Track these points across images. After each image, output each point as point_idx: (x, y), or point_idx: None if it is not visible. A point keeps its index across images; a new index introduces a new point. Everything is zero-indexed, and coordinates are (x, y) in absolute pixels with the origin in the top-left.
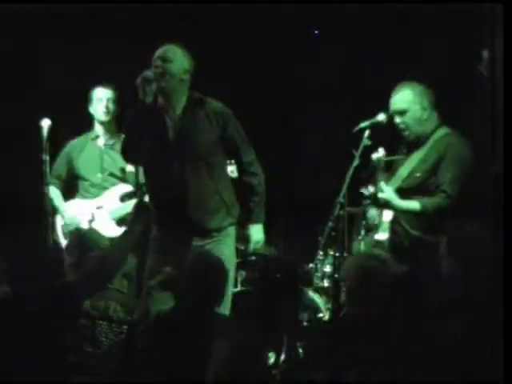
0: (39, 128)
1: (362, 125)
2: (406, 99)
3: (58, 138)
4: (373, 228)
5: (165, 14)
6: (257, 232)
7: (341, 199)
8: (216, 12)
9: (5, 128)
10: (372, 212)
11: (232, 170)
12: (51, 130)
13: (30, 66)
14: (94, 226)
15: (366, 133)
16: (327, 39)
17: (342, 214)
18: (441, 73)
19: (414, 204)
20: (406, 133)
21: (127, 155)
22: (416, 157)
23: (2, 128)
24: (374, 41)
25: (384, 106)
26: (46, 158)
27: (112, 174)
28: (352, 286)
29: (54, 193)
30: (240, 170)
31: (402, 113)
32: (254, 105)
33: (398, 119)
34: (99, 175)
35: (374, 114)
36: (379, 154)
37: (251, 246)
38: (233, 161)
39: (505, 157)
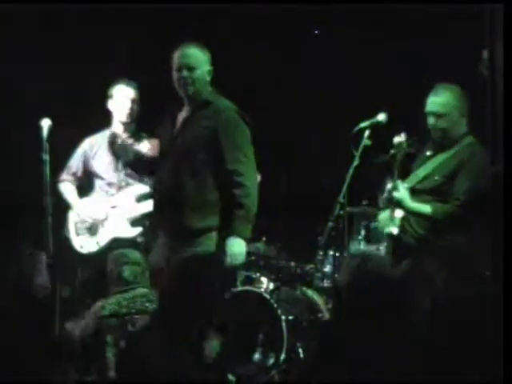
0: (39, 128)
1: (362, 125)
2: (447, 103)
3: (58, 138)
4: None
5: (164, 14)
6: (236, 245)
7: (341, 199)
8: (216, 12)
9: (5, 128)
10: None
11: None
12: (51, 129)
13: (29, 66)
14: (107, 225)
15: (366, 133)
16: (327, 39)
17: (341, 214)
18: (441, 73)
19: (425, 208)
20: (439, 135)
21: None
22: (436, 160)
23: (1, 128)
24: (374, 41)
25: (384, 106)
26: (46, 158)
27: (129, 174)
28: (348, 287)
29: (69, 189)
30: (221, 179)
31: (440, 116)
32: (253, 105)
33: (432, 120)
34: (116, 174)
35: (374, 114)
36: (402, 138)
37: (228, 260)
38: None
39: (505, 157)
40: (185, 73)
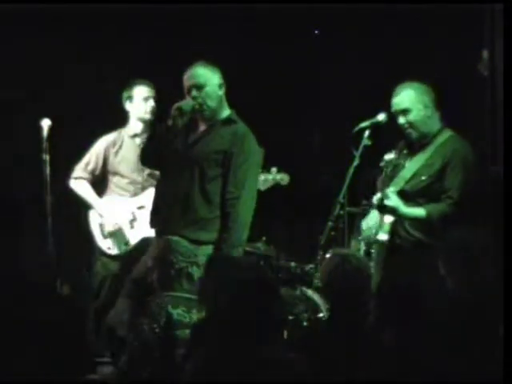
0: (39, 128)
1: (362, 125)
2: (408, 98)
3: (58, 138)
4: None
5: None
6: None
7: (341, 199)
8: (215, 12)
9: (5, 127)
10: (365, 225)
11: (280, 176)
12: (51, 129)
13: (30, 66)
14: (136, 226)
15: (366, 133)
16: (327, 39)
17: (341, 214)
18: (441, 73)
19: (419, 211)
20: (411, 132)
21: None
22: (419, 159)
23: (1, 128)
24: (374, 41)
25: (384, 106)
26: (46, 158)
27: (151, 175)
28: (325, 287)
29: (87, 187)
30: (223, 198)
31: (405, 112)
32: (253, 105)
33: (401, 119)
34: (139, 174)
35: (374, 114)
36: (392, 155)
37: None
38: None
39: (505, 157)
40: (194, 93)
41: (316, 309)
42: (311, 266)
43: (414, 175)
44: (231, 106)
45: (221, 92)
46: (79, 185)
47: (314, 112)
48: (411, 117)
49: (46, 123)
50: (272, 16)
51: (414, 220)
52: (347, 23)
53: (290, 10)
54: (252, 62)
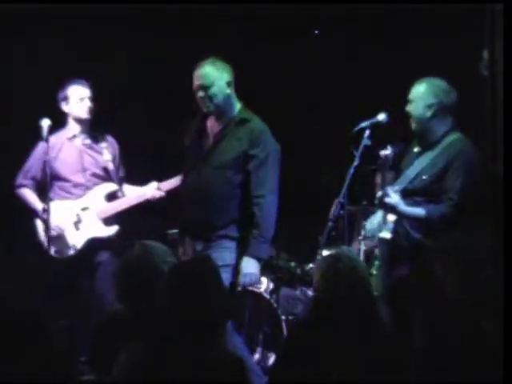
0: (39, 128)
1: (362, 125)
2: (415, 90)
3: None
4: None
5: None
6: (248, 265)
7: (341, 199)
8: (215, 12)
9: (5, 128)
10: (369, 225)
11: None
12: (51, 130)
13: (29, 66)
14: (81, 227)
15: (366, 133)
16: (327, 39)
17: (341, 214)
18: (441, 73)
19: (419, 211)
20: (412, 122)
21: None
22: (425, 159)
23: (1, 128)
24: (375, 41)
25: (384, 106)
26: (46, 158)
27: (94, 174)
28: (318, 286)
29: (29, 195)
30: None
31: (409, 102)
32: (253, 105)
33: (407, 107)
34: (81, 175)
35: (374, 114)
36: (387, 151)
37: (240, 279)
38: None
39: (505, 157)
40: (201, 93)
41: None
42: (311, 265)
43: (417, 174)
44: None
45: (229, 90)
46: (23, 192)
47: (314, 112)
48: (411, 108)
49: (45, 123)
50: (272, 16)
51: (414, 221)
52: (347, 23)
53: (290, 10)
54: (252, 62)
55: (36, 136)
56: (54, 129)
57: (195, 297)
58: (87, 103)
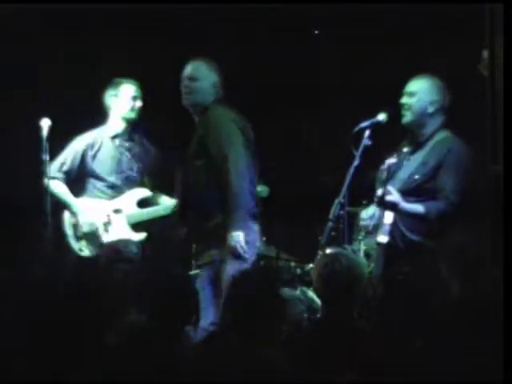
0: (39, 128)
1: (362, 125)
2: (420, 84)
3: (58, 138)
4: (364, 230)
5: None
6: (235, 238)
7: (341, 199)
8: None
9: (5, 128)
10: (365, 214)
11: (260, 189)
12: (51, 129)
13: (29, 66)
14: (110, 230)
15: (366, 133)
16: (327, 39)
17: (341, 214)
18: (441, 73)
19: (418, 207)
20: (406, 115)
21: None
22: (415, 159)
23: (1, 128)
24: (374, 41)
25: (384, 106)
26: (46, 157)
27: (129, 178)
28: (316, 286)
29: (62, 188)
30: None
31: (410, 94)
32: (253, 105)
33: (404, 99)
34: (117, 177)
35: (374, 114)
36: (393, 160)
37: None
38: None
39: (505, 157)
40: (185, 82)
41: (316, 309)
42: (311, 265)
43: (410, 175)
44: (232, 106)
45: (213, 91)
46: (55, 185)
47: (314, 112)
48: (413, 100)
49: (45, 123)
50: (272, 16)
51: (410, 220)
52: (347, 23)
53: (290, 10)
54: (252, 62)
55: (36, 136)
56: (54, 129)
57: None
58: (138, 103)
